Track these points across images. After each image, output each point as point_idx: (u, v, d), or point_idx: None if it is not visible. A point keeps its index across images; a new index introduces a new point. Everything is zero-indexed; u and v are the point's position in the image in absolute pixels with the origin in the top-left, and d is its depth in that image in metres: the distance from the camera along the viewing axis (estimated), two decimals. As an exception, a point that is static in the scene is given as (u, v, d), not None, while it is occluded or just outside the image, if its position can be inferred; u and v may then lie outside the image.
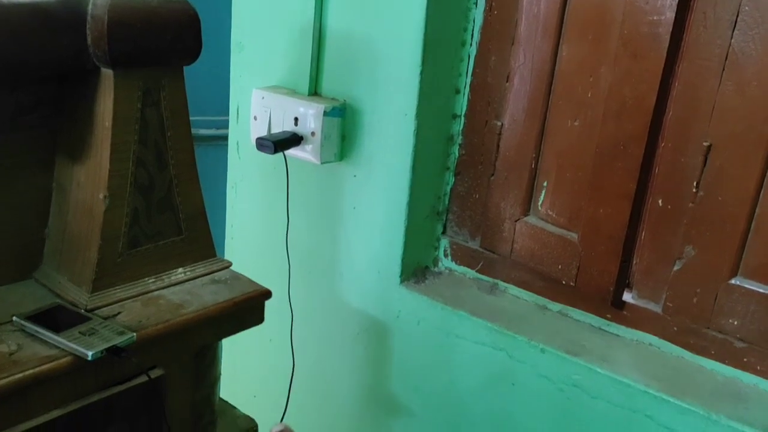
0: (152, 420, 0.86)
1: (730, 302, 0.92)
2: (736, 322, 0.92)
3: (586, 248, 1.02)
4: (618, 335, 1.04)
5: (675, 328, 0.98)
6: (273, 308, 0.99)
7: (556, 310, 1.10)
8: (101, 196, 0.85)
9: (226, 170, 1.38)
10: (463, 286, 1.17)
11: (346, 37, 1.13)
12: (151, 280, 0.92)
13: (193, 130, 0.95)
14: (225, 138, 1.36)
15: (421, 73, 1.06)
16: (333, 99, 1.16)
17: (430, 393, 1.17)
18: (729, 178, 0.90)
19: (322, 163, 1.15)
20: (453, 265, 1.21)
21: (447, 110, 1.14)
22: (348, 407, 1.29)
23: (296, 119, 1.14)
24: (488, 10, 1.08)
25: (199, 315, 0.88)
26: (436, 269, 1.22)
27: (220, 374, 0.99)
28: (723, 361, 0.95)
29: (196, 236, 0.96)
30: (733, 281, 0.92)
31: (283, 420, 1.23)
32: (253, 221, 1.36)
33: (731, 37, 0.87)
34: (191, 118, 0.93)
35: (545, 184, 1.08)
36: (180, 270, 0.95)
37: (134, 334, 0.79)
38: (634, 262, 1.01)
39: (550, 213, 1.08)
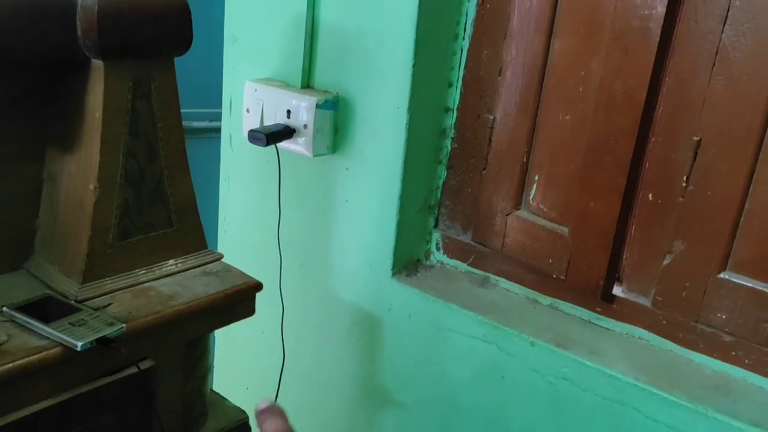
0: (142, 411, 0.86)
1: (719, 296, 0.93)
2: (724, 316, 0.93)
3: (577, 242, 1.03)
4: (608, 329, 1.05)
5: (664, 322, 0.99)
6: (265, 301, 1.00)
7: (547, 304, 1.10)
8: (91, 187, 0.85)
9: (219, 163, 1.38)
10: (455, 279, 1.18)
11: (339, 29, 1.13)
12: (141, 272, 0.92)
13: (186, 122, 0.95)
14: (218, 130, 1.36)
15: (414, 66, 1.06)
16: (326, 92, 1.16)
17: (421, 386, 1.17)
18: (719, 173, 0.91)
19: (314, 156, 1.15)
20: (445, 259, 1.21)
21: (439, 104, 1.14)
22: (339, 400, 1.30)
23: (289, 112, 1.14)
24: (481, 3, 1.08)
25: (189, 306, 0.88)
26: (428, 262, 1.22)
27: (211, 366, 0.99)
28: (711, 355, 0.95)
29: (187, 228, 0.96)
30: (721, 275, 0.93)
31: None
32: (246, 214, 1.36)
33: (722, 32, 0.87)
34: (184, 110, 0.93)
35: (536, 178, 1.08)
36: (171, 262, 0.95)
37: (124, 325, 0.79)
38: (624, 256, 1.02)
39: (542, 207, 1.08)
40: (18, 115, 0.87)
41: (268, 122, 1.17)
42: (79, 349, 0.75)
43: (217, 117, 1.36)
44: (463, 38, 1.11)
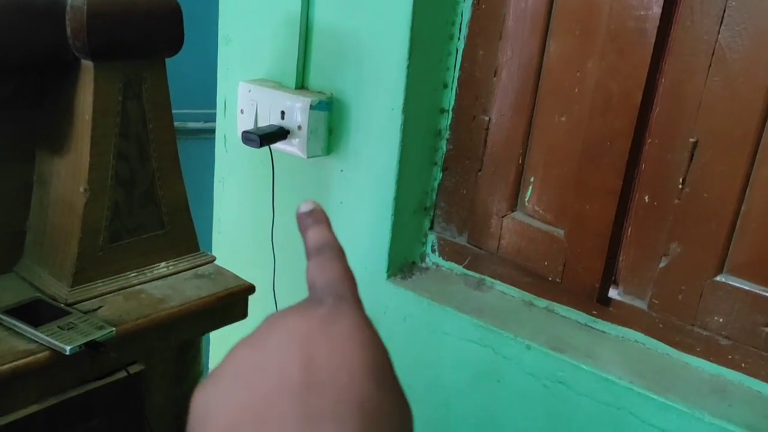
0: (132, 416, 0.86)
1: (715, 299, 0.92)
2: (721, 320, 0.92)
3: (573, 244, 1.02)
4: (603, 332, 1.04)
5: (660, 325, 0.98)
6: (259, 302, 0.99)
7: (543, 307, 1.10)
8: (81, 189, 0.84)
9: (214, 163, 1.37)
10: (450, 281, 1.17)
11: (333, 30, 1.12)
12: (132, 275, 0.91)
13: (180, 123, 0.95)
14: (212, 131, 1.35)
15: (408, 66, 1.06)
16: (320, 93, 1.15)
17: (416, 389, 1.16)
18: (715, 175, 0.90)
19: (308, 158, 1.14)
20: (440, 261, 1.20)
21: (434, 105, 1.13)
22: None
23: (283, 113, 1.13)
24: (476, 3, 1.07)
25: (180, 310, 0.88)
26: (423, 265, 1.22)
27: (204, 370, 0.99)
28: (708, 359, 0.95)
29: (178, 230, 0.95)
30: (718, 278, 0.92)
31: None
32: (240, 215, 1.35)
33: (718, 33, 0.87)
34: (178, 111, 0.93)
35: (532, 179, 1.07)
36: (162, 264, 0.94)
37: (113, 328, 0.79)
38: (620, 258, 1.01)
39: (537, 209, 1.07)
40: (7, 116, 0.86)
41: (262, 123, 1.16)
42: (67, 353, 0.74)
43: (212, 118, 1.36)
44: (459, 39, 1.10)
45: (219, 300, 0.92)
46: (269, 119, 1.15)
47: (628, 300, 1.01)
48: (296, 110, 1.12)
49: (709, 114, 0.89)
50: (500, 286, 1.14)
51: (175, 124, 0.93)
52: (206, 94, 1.39)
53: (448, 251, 1.19)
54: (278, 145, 1.14)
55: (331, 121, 1.14)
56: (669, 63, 0.91)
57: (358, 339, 0.34)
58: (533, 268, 1.08)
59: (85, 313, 0.82)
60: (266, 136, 1.11)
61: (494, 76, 1.07)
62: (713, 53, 0.87)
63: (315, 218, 0.43)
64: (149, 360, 0.86)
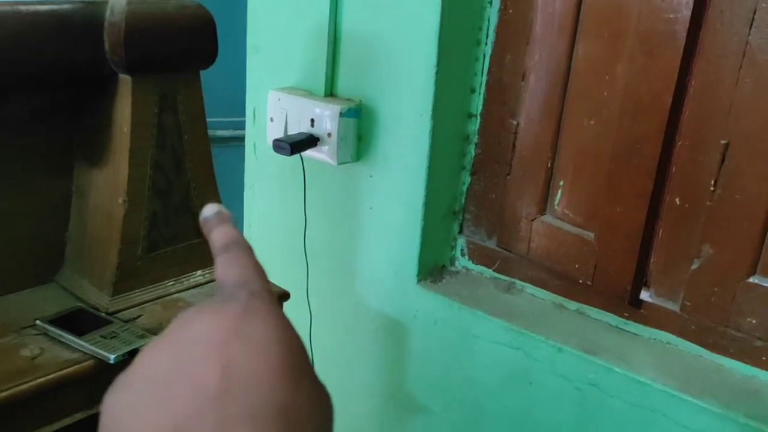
0: (173, 421, 0.87)
1: (748, 301, 0.92)
2: (754, 321, 0.92)
3: (603, 247, 1.02)
4: (635, 334, 1.04)
5: (693, 327, 0.98)
6: (292, 308, 1.00)
7: (573, 309, 1.10)
8: (120, 200, 0.86)
9: (244, 171, 1.39)
10: (480, 285, 1.17)
11: (361, 37, 1.13)
12: (170, 283, 0.93)
13: (211, 132, 0.96)
14: (242, 139, 1.37)
15: (437, 72, 1.06)
16: (349, 100, 1.16)
17: (447, 392, 1.17)
18: (747, 177, 0.90)
19: (338, 164, 1.15)
20: (470, 265, 1.21)
21: (463, 110, 1.14)
22: (366, 406, 1.30)
23: (312, 120, 1.14)
24: (503, 9, 1.08)
25: (218, 317, 0.89)
26: (453, 268, 1.22)
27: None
28: (741, 360, 0.94)
29: (214, 239, 0.97)
30: (751, 280, 0.92)
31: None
32: (271, 222, 1.37)
33: (748, 35, 0.86)
34: (208, 120, 0.94)
35: (561, 183, 1.07)
36: (199, 272, 0.96)
37: (155, 337, 0.80)
38: (652, 260, 1.01)
39: (567, 212, 1.08)
40: (47, 129, 0.88)
41: (292, 131, 1.18)
42: (112, 361, 0.76)
43: (241, 126, 1.37)
44: (486, 44, 1.11)
45: (254, 307, 0.93)
46: (299, 127, 1.17)
47: (659, 302, 1.01)
48: (326, 118, 1.13)
49: (740, 116, 0.89)
50: (530, 289, 1.15)
51: (206, 133, 0.94)
52: (235, 103, 1.41)
53: (478, 255, 1.20)
54: (308, 152, 1.16)
55: (360, 128, 1.16)
56: (699, 65, 0.91)
57: (275, 337, 0.33)
58: (563, 271, 1.08)
59: (126, 321, 0.84)
60: (297, 144, 1.12)
61: (522, 80, 1.08)
62: (744, 55, 0.87)
63: (219, 218, 0.42)
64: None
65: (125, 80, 0.84)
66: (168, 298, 0.91)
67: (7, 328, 0.82)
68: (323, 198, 1.24)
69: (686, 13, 0.89)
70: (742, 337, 0.94)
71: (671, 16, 0.90)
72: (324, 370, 1.36)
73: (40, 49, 0.80)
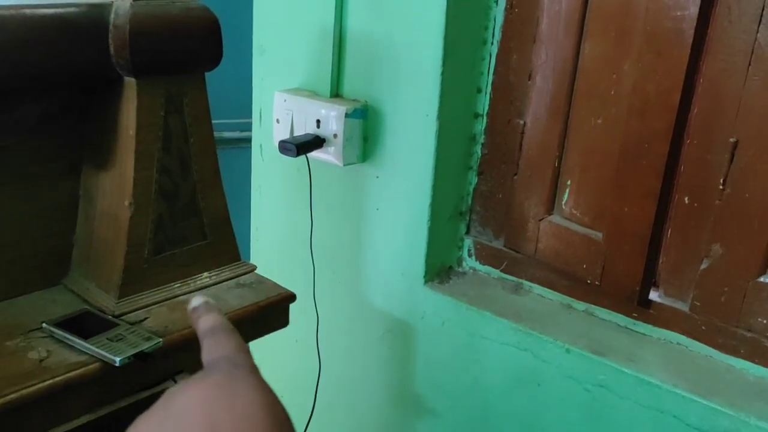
0: (180, 423, 0.87)
1: (759, 300, 0.91)
2: (765, 321, 0.91)
3: (611, 247, 1.02)
4: (645, 334, 1.03)
5: (703, 327, 0.97)
6: (298, 310, 1.00)
7: (582, 310, 1.09)
8: (126, 203, 0.86)
9: (250, 172, 1.39)
10: (488, 285, 1.17)
11: (366, 38, 1.13)
12: (176, 285, 0.93)
13: (217, 133, 0.96)
14: (249, 140, 1.37)
15: (443, 72, 1.06)
16: (355, 100, 1.16)
17: (455, 393, 1.17)
18: (756, 175, 0.89)
19: (344, 165, 1.15)
20: (477, 265, 1.21)
21: (469, 110, 1.14)
22: (374, 407, 1.30)
23: (318, 121, 1.14)
24: (509, 8, 1.07)
25: (224, 319, 0.89)
26: (460, 269, 1.22)
27: (246, 377, 1.00)
28: (753, 360, 0.94)
29: (220, 241, 0.97)
30: (762, 279, 0.91)
31: (311, 421, 1.24)
32: (278, 224, 1.37)
33: (757, 32, 0.86)
34: (214, 121, 0.94)
35: (569, 182, 1.07)
36: (205, 275, 0.95)
37: (161, 339, 0.80)
38: (661, 260, 1.00)
39: (575, 212, 1.07)
40: (54, 133, 0.88)
41: (298, 132, 1.17)
42: (117, 364, 0.76)
43: (248, 127, 1.37)
44: (492, 43, 1.10)
45: (261, 309, 0.93)
46: (305, 128, 1.16)
47: (669, 302, 1.00)
48: (331, 119, 1.13)
49: (749, 114, 0.88)
50: (538, 289, 1.14)
51: (212, 135, 0.94)
52: (241, 104, 1.41)
53: (485, 255, 1.19)
54: (314, 153, 1.16)
55: (366, 129, 1.15)
56: (707, 63, 0.90)
57: (258, 402, 0.35)
58: (571, 271, 1.08)
59: (132, 324, 0.84)
60: (303, 145, 1.12)
61: (529, 79, 1.07)
62: (752, 52, 0.86)
63: (205, 308, 0.46)
64: (195, 369, 0.87)
65: (130, 83, 0.84)
66: (174, 300, 0.91)
67: (14, 330, 0.82)
68: (329, 199, 1.24)
69: (694, 10, 0.88)
70: (753, 338, 0.93)
71: (679, 13, 0.90)
72: (331, 371, 1.37)
73: (46, 53, 0.80)
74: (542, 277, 1.13)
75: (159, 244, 0.90)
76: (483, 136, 1.15)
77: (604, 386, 0.98)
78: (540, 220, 1.10)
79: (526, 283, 1.15)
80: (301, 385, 1.32)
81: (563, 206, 1.08)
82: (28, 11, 0.77)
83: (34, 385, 0.73)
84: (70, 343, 0.79)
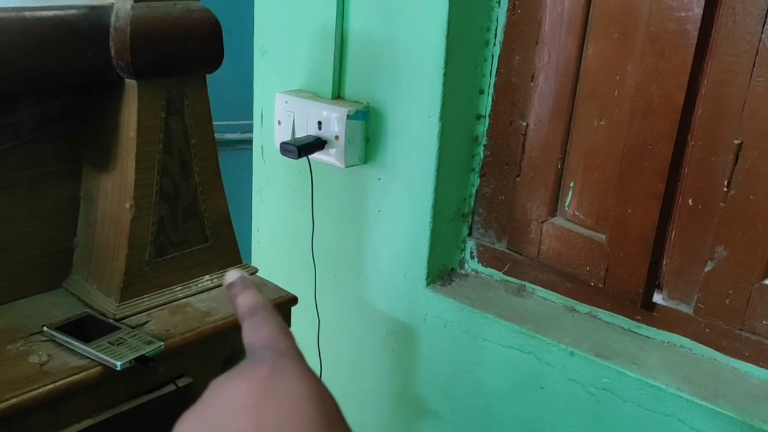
0: (181, 427, 0.87)
1: (764, 303, 0.90)
2: (770, 324, 0.90)
3: (615, 249, 1.01)
4: (648, 337, 1.03)
5: (707, 330, 0.96)
6: (300, 312, 0.99)
7: (585, 312, 1.09)
8: (127, 205, 0.86)
9: (252, 174, 1.38)
10: (490, 288, 1.16)
11: (368, 39, 1.13)
12: (178, 288, 0.92)
13: (218, 135, 0.96)
14: (250, 142, 1.37)
15: (445, 74, 1.05)
16: (356, 102, 1.15)
17: (457, 396, 1.16)
18: (761, 177, 0.88)
19: (346, 167, 1.14)
20: (479, 267, 1.20)
21: (471, 111, 1.13)
22: (375, 410, 1.29)
23: (320, 123, 1.14)
24: (511, 9, 1.07)
25: (226, 322, 0.89)
26: (462, 271, 1.21)
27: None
28: (757, 363, 0.93)
29: (221, 243, 0.96)
30: (766, 282, 0.90)
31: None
32: (279, 225, 1.36)
33: (761, 32, 0.85)
34: (215, 123, 0.94)
35: (572, 184, 1.06)
36: (206, 277, 0.95)
37: (162, 343, 0.80)
38: (664, 262, 0.99)
39: (578, 214, 1.07)
40: (54, 135, 0.88)
41: (299, 134, 1.17)
42: (118, 368, 0.75)
43: (249, 129, 1.37)
44: (494, 45, 1.10)
45: (263, 312, 0.92)
46: (306, 130, 1.16)
47: (672, 305, 0.99)
48: (333, 120, 1.12)
49: (754, 115, 0.87)
50: (541, 291, 1.13)
51: (214, 136, 0.94)
52: (242, 106, 1.40)
53: (488, 257, 1.19)
54: (316, 155, 1.15)
55: (368, 130, 1.15)
56: (711, 64, 0.90)
57: (305, 393, 0.34)
58: (575, 274, 1.07)
59: (134, 328, 0.84)
60: (304, 147, 1.12)
61: (531, 81, 1.07)
62: (757, 53, 0.86)
63: (242, 285, 0.44)
64: (196, 373, 0.87)
65: (131, 85, 0.84)
66: (175, 303, 0.91)
67: (15, 334, 0.82)
68: (331, 201, 1.23)
69: (698, 11, 0.88)
70: (758, 340, 0.92)
71: (682, 14, 0.89)
72: (332, 373, 1.36)
73: (46, 55, 0.79)
74: (545, 279, 1.12)
75: (160, 246, 0.89)
76: (485, 138, 1.14)
77: (607, 389, 0.98)
78: (543, 222, 1.10)
79: (529, 286, 1.15)
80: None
81: (566, 208, 1.08)
82: (28, 13, 0.77)
83: (35, 389, 0.73)
84: (71, 347, 0.79)
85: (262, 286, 0.96)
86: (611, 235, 1.02)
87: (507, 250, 1.16)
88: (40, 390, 0.73)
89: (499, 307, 1.10)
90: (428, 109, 1.08)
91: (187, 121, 0.89)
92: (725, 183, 0.91)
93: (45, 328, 0.81)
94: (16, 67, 0.77)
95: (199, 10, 0.87)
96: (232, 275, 0.44)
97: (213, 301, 0.92)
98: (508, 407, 1.10)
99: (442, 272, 1.19)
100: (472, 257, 1.20)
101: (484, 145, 1.15)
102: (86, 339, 0.79)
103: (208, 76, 0.91)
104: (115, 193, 0.87)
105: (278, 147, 1.14)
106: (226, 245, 0.97)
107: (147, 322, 0.86)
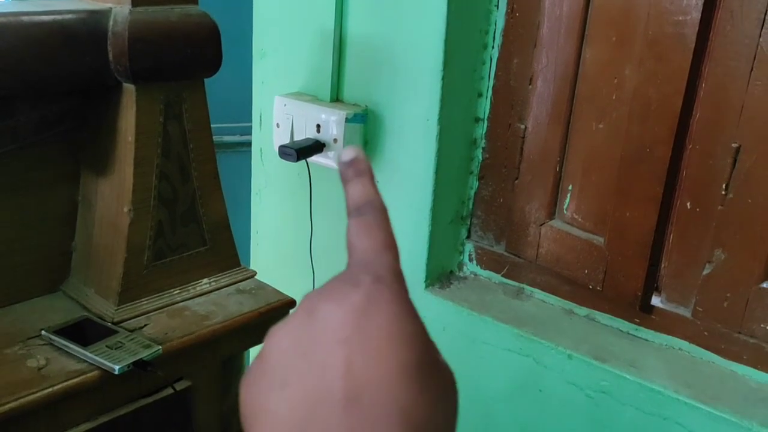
0: (180, 431, 0.87)
1: (762, 306, 0.91)
2: (768, 327, 0.91)
3: (613, 252, 1.01)
4: (647, 340, 1.03)
5: (705, 333, 0.96)
6: (298, 316, 0.99)
7: (583, 315, 1.09)
8: (125, 209, 0.86)
9: (250, 176, 1.38)
10: (489, 290, 1.16)
11: (367, 42, 1.13)
12: (176, 292, 0.92)
13: (217, 137, 0.96)
14: (249, 144, 1.37)
15: (443, 77, 1.05)
16: (355, 105, 1.15)
17: (456, 399, 1.16)
18: (759, 180, 0.88)
19: (344, 170, 1.14)
20: (478, 270, 1.20)
21: (470, 114, 1.13)
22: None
23: (318, 126, 1.14)
24: (510, 12, 1.07)
25: (224, 326, 0.89)
26: (461, 274, 1.21)
27: (246, 383, 0.99)
28: (755, 367, 0.93)
29: (220, 247, 0.96)
30: (764, 285, 0.90)
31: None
32: (278, 228, 1.36)
33: (759, 36, 0.85)
34: (214, 125, 0.94)
35: (570, 187, 1.06)
36: (205, 281, 0.95)
37: (160, 347, 0.80)
38: (663, 266, 0.99)
39: (576, 217, 1.07)
40: (53, 139, 0.88)
41: (298, 137, 1.17)
42: (116, 372, 0.75)
43: (248, 131, 1.37)
44: (493, 48, 1.10)
45: (261, 315, 0.92)
46: (305, 132, 1.16)
47: (671, 308, 0.99)
48: (332, 123, 1.12)
49: (752, 118, 0.87)
50: (540, 294, 1.13)
51: (212, 139, 0.94)
52: (241, 108, 1.40)
53: (486, 260, 1.19)
54: (314, 158, 1.15)
55: (366, 133, 1.15)
56: (709, 68, 0.90)
57: (396, 335, 0.32)
58: (573, 277, 1.07)
59: (132, 331, 0.84)
60: (303, 150, 1.12)
61: (529, 84, 1.07)
62: (755, 57, 0.86)
63: (356, 169, 0.39)
64: (195, 376, 0.87)
65: (129, 89, 0.84)
66: (174, 306, 0.91)
67: (13, 338, 0.82)
68: (330, 204, 1.23)
69: (696, 15, 0.88)
70: (756, 344, 0.92)
71: (680, 18, 0.89)
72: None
73: (44, 60, 0.79)
74: (544, 282, 1.12)
75: (158, 250, 0.89)
76: (484, 141, 1.14)
77: (606, 392, 0.98)
78: (541, 224, 1.10)
79: (528, 288, 1.15)
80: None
81: (565, 211, 1.08)
82: (26, 18, 0.77)
83: (33, 393, 0.73)
84: (69, 350, 0.79)
85: (260, 289, 0.97)
86: (610, 238, 1.02)
87: (506, 253, 1.16)
88: (39, 394, 0.73)
89: (497, 310, 1.10)
90: (427, 112, 1.08)
91: (185, 126, 0.89)
92: (723, 186, 0.91)
93: (43, 332, 0.81)
94: (15, 72, 0.77)
95: (198, 14, 0.87)
96: (348, 153, 0.39)
97: (211, 304, 0.92)
98: (506, 410, 1.10)
99: (440, 275, 1.19)
100: (470, 260, 1.20)
101: (483, 148, 1.15)
102: (84, 343, 0.79)
103: (207, 79, 0.91)
104: (114, 197, 0.87)
105: (277, 150, 1.14)
106: (224, 249, 0.97)
107: (145, 325, 0.86)
